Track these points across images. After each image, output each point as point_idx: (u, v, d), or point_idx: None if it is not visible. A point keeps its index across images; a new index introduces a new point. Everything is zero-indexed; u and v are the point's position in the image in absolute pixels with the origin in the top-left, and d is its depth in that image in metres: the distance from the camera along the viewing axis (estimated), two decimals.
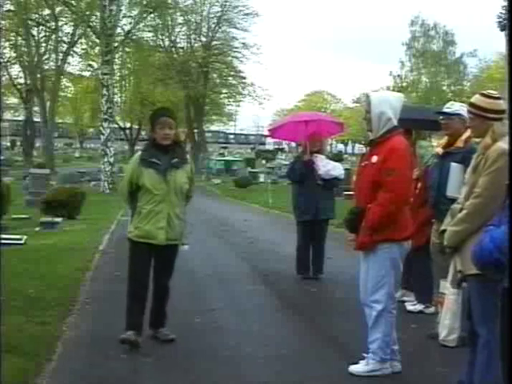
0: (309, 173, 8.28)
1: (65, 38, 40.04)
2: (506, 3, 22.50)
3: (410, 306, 6.54)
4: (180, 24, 44.68)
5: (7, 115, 58.70)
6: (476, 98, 4.08)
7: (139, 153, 5.59)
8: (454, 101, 6.52)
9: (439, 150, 5.91)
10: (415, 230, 5.41)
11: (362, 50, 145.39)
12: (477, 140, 4.16)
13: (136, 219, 5.35)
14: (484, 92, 4.15)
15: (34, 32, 41.34)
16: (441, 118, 5.88)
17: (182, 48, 45.81)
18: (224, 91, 48.93)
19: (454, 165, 5.48)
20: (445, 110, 5.89)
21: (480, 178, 3.90)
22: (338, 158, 35.33)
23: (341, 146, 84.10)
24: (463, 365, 4.15)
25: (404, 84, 53.44)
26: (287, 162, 32.42)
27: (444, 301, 4.27)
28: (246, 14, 43.97)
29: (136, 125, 60.28)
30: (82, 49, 40.36)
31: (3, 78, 42.03)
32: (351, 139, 75.14)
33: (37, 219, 14.72)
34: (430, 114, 7.27)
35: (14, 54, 42.48)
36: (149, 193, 5.28)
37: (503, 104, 4.05)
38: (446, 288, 4.23)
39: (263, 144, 79.83)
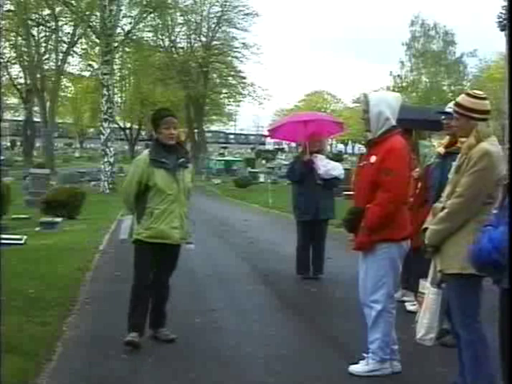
0: (308, 173, 8.28)
1: (65, 38, 40.02)
2: (506, 3, 22.51)
3: (410, 306, 6.54)
4: (180, 24, 44.72)
5: (7, 115, 58.67)
6: (462, 98, 4.09)
7: (146, 153, 5.50)
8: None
9: (441, 150, 5.92)
10: (415, 230, 5.40)
11: (362, 50, 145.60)
12: (462, 140, 4.16)
13: (148, 220, 5.31)
14: (469, 92, 4.16)
15: (34, 32, 41.33)
16: (442, 117, 5.88)
17: (182, 48, 45.84)
18: (224, 91, 48.97)
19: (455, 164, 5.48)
20: (447, 109, 5.89)
21: (462, 178, 3.92)
22: (338, 157, 35.32)
23: (341, 146, 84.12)
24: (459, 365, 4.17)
25: (404, 84, 53.45)
26: (287, 162, 32.37)
27: (423, 300, 4.27)
28: (246, 14, 44.08)
29: (136, 125, 60.31)
30: (82, 49, 40.40)
31: (3, 78, 42.06)
32: (351, 139, 75.11)
33: (37, 219, 14.71)
34: (430, 114, 7.27)
35: (14, 54, 42.49)
36: (161, 193, 5.28)
37: (488, 104, 4.06)
38: (426, 287, 4.24)
39: (263, 144, 79.80)
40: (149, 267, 5.40)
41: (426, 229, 4.12)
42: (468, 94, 4.10)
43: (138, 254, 5.43)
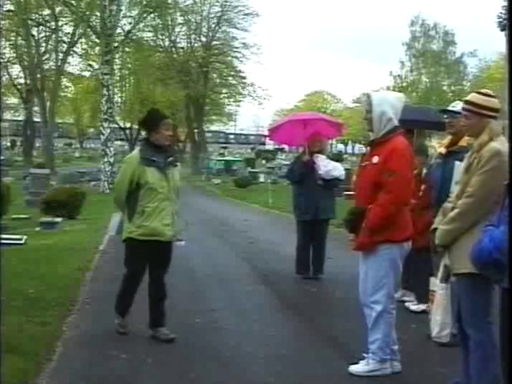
0: (309, 173, 8.28)
1: (65, 38, 39.96)
2: (506, 3, 22.49)
3: (412, 306, 6.54)
4: (180, 24, 44.74)
5: (7, 115, 58.65)
6: (472, 96, 4.09)
7: (136, 152, 5.65)
8: (454, 101, 6.51)
9: (442, 150, 5.91)
10: (419, 232, 5.40)
11: (362, 50, 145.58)
12: (468, 138, 4.15)
13: (139, 218, 5.40)
14: (480, 90, 4.16)
15: (34, 32, 41.29)
16: (445, 116, 5.88)
17: (182, 48, 45.86)
18: (224, 91, 48.97)
19: (458, 163, 5.47)
20: (450, 108, 5.89)
21: (473, 178, 3.90)
22: (338, 158, 35.30)
23: (341, 146, 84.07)
24: (460, 365, 4.16)
25: (404, 84, 53.45)
26: (287, 162, 32.37)
27: (434, 298, 4.26)
28: (246, 14, 44.10)
29: (136, 125, 60.15)
30: (82, 49, 40.30)
31: (3, 78, 42.03)
32: (351, 139, 75.11)
33: (37, 219, 14.70)
34: (432, 115, 7.27)
35: (14, 54, 42.47)
36: (152, 191, 5.38)
37: (498, 102, 4.06)
38: (436, 285, 4.23)
39: (263, 144, 79.74)
40: (143, 265, 5.55)
41: (436, 229, 4.11)
42: (479, 93, 4.10)
43: (128, 252, 5.58)
